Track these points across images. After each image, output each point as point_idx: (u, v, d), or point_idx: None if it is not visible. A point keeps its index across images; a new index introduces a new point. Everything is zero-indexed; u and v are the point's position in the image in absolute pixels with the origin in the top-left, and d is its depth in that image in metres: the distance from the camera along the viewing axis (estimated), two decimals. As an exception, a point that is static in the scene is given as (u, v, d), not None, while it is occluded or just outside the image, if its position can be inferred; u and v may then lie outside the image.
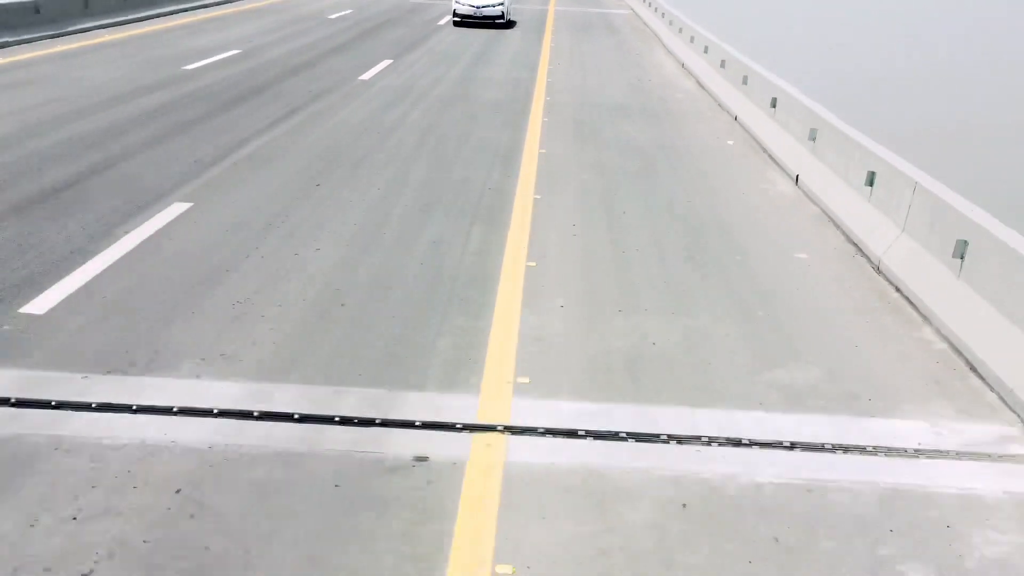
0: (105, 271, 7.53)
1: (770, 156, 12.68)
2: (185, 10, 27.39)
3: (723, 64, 17.35)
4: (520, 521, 4.65)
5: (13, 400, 5.51)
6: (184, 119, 13.28)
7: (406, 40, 23.81)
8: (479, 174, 11.21)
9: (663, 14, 27.76)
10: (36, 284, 7.17)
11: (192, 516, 4.55)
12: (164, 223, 8.77)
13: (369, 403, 5.69)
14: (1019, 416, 5.83)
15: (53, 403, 5.50)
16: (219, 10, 28.23)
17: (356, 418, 5.52)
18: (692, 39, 21.28)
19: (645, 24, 31.47)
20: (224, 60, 18.86)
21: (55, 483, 4.75)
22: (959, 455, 5.46)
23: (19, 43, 19.38)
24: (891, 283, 8.04)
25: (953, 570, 4.45)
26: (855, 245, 9.03)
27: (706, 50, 19.32)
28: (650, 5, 32.30)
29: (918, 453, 5.46)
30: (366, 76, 17.97)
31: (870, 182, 9.05)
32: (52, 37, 20.58)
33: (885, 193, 8.70)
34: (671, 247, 8.93)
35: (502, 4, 27.13)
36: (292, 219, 9.14)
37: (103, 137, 11.93)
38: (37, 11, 20.36)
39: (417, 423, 5.50)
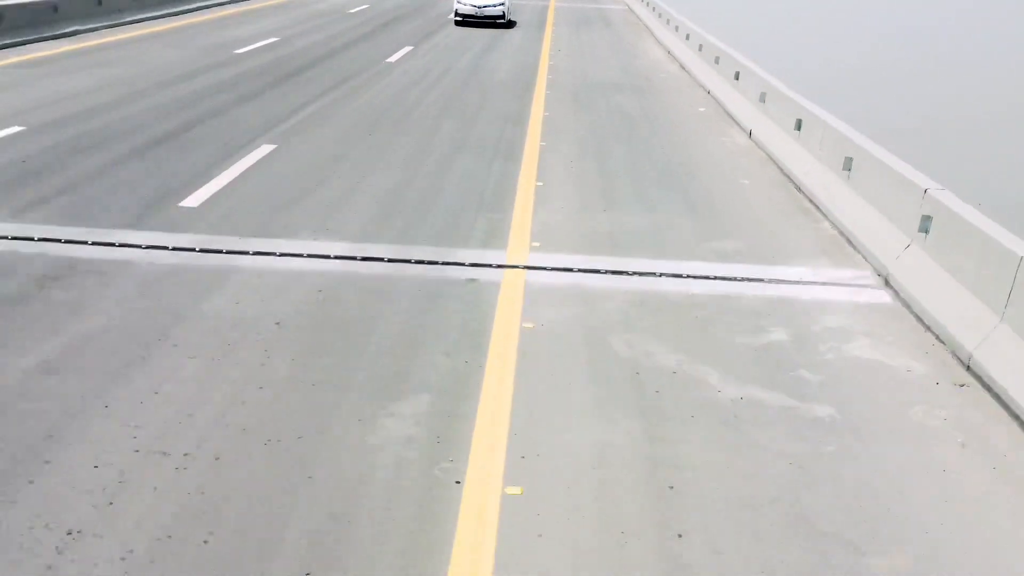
0: (229, 183, 10.30)
1: (732, 118, 15.47)
2: (213, 6, 30.13)
3: (700, 48, 20.14)
4: (537, 307, 7.41)
5: (197, 248, 8.29)
6: (249, 90, 16.05)
7: (422, 31, 26.58)
8: (495, 130, 13.98)
9: (653, 7, 30.56)
10: (181, 192, 9.93)
11: (331, 303, 7.32)
12: (260, 157, 11.54)
13: (433, 254, 8.46)
14: (872, 266, 8.60)
15: (224, 251, 8.28)
16: (244, 6, 30.99)
17: (427, 260, 8.30)
18: (677, 28, 24.08)
19: (638, 18, 34.27)
20: (266, 46, 21.64)
21: (241, 287, 7.52)
22: (825, 284, 8.24)
23: (85, 32, 22.11)
24: (805, 195, 10.83)
25: (803, 331, 7.23)
26: (786, 175, 11.81)
27: (687, 37, 22.11)
28: (642, 0, 35.08)
29: (799, 282, 8.25)
30: (392, 59, 20.75)
31: (798, 127, 11.84)
32: (111, 27, 23.33)
33: (806, 134, 11.49)
34: (645, 176, 11.72)
35: (503, 4, 27.85)
36: (354, 155, 11.91)
37: (188, 103, 14.69)
38: (99, 3, 23.11)
39: (467, 263, 8.28)
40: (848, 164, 9.81)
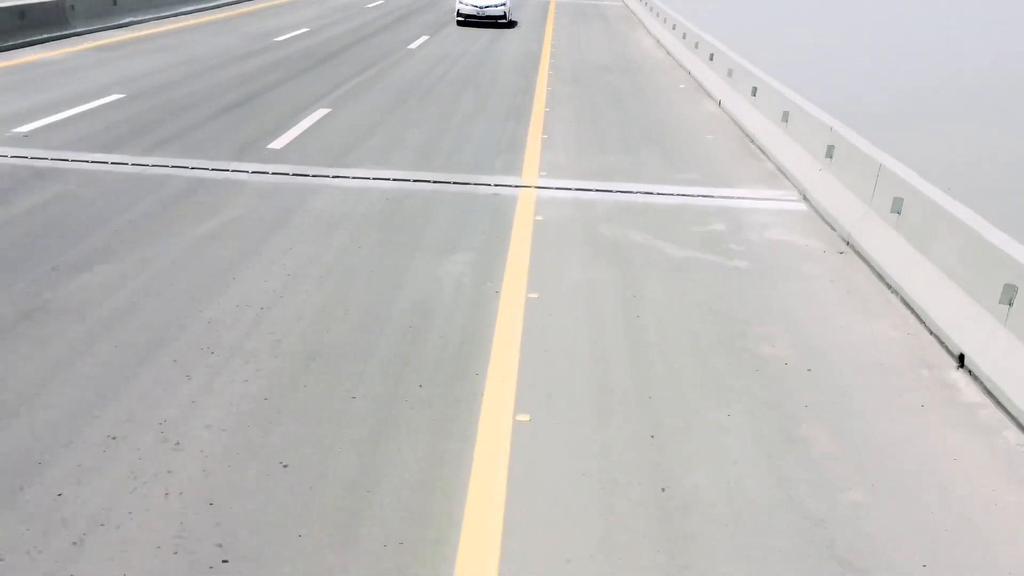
0: (301, 134, 13.10)
1: (707, 92, 18.27)
2: (241, 1, 32.90)
3: (684, 36, 22.95)
4: (545, 209, 10.20)
5: (291, 173, 11.09)
6: (295, 69, 18.84)
7: (435, 24, 29.38)
8: (506, 100, 16.77)
9: (646, 2, 33.37)
10: (265, 139, 12.72)
11: (396, 206, 10.12)
12: (319, 117, 14.33)
13: (466, 179, 11.27)
14: (796, 188, 11.40)
15: (311, 175, 11.08)
16: (268, 1, 33.78)
17: (462, 181, 11.10)
18: (665, 20, 26.89)
19: (632, 12, 37.08)
20: (301, 35, 24.44)
21: (330, 196, 10.31)
22: (759, 199, 11.05)
23: (138, 23, 24.88)
24: (756, 146, 13.64)
25: (737, 224, 10.03)
26: (743, 132, 14.62)
27: (674, 27, 24.92)
28: (636, -3, 37.88)
29: (740, 197, 11.06)
30: (412, 46, 23.55)
31: (753, 93, 14.64)
32: (158, 19, 26.11)
33: (761, 99, 14.29)
34: (629, 133, 14.53)
35: (504, 4, 28.61)
36: (393, 118, 14.70)
37: (248, 78, 17.48)
38: (150, -2, 25.93)
39: (491, 184, 11.09)
40: (785, 117, 12.62)
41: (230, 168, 11.14)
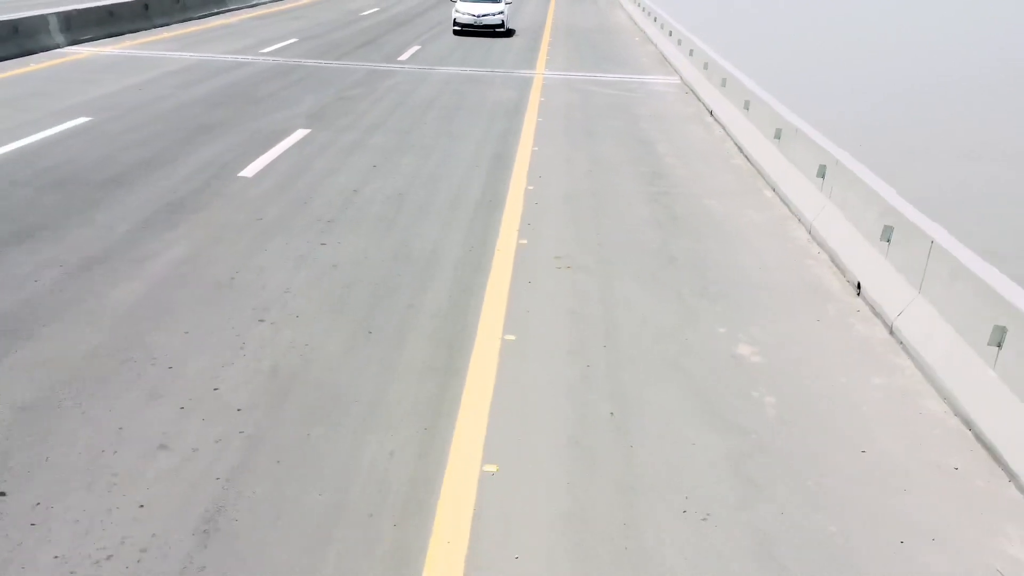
0: (411, 55, 23.48)
1: (651, 41, 28.65)
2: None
3: (644, 10, 33.32)
4: (548, 72, 20.58)
5: (416, 68, 21.47)
6: (385, 29, 29.22)
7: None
8: (527, 41, 27.12)
9: (625, -10, 43.77)
10: (393, 56, 23.10)
11: (475, 79, 20.47)
12: (416, 49, 24.71)
13: (509, 70, 21.66)
14: (679, 75, 21.73)
15: (424, 68, 21.48)
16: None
17: (505, 71, 21.50)
18: (638, 3, 37.27)
19: (616, -1, 47.48)
20: (377, 11, 34.84)
21: (440, 75, 20.70)
22: (657, 79, 21.42)
23: (260, 4, 35.26)
24: (665, 58, 23.99)
25: (637, 92, 20.39)
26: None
27: (638, 4, 35.30)
28: (620, -14, 48.24)
29: (650, 80, 21.44)
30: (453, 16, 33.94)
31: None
32: (269, 2, 36.49)
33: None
34: (601, 58, 24.89)
35: (502, 13, 28.40)
36: (459, 52, 25.03)
37: (362, 32, 27.87)
38: (266, -13, 36.35)
39: (517, 72, 21.50)
40: (677, 42, 22.98)
41: (384, 66, 21.53)
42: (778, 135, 12.50)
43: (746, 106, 14.72)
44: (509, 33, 29.74)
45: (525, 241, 9.63)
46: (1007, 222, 11.24)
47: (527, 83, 20.03)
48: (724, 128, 15.59)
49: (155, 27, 26.39)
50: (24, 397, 6.07)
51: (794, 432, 6.12)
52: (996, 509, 5.37)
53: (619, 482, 5.46)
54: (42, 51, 20.75)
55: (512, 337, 7.32)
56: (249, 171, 11.79)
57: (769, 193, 11.87)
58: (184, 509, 5.02)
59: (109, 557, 4.63)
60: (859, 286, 8.52)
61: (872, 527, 5.15)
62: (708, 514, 5.19)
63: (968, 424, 6.22)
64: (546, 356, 7.02)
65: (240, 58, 21.52)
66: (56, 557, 4.61)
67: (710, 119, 16.78)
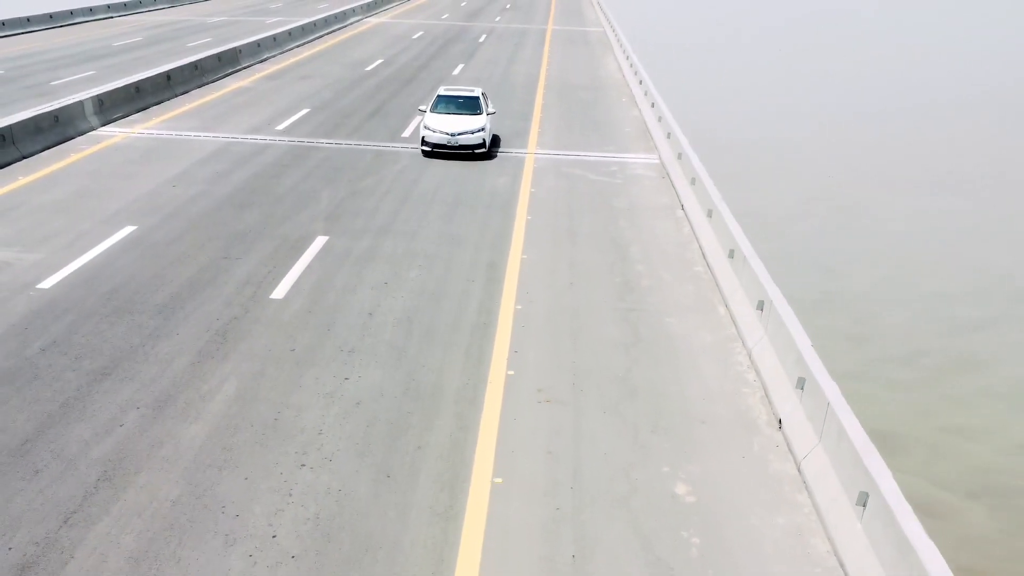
0: (411, 134, 25.57)
1: (647, 128, 30.74)
2: (345, 26, 45.30)
3: (632, 66, 35.42)
4: (539, 150, 22.66)
5: (373, 152, 23.57)
6: (390, 92, 31.30)
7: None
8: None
9: (613, 29, 45.86)
10: (390, 141, 25.17)
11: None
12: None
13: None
14: (660, 152, 23.84)
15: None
16: (338, 37, 46.13)
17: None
18: (613, 29, 39.39)
19: (606, 35, 49.55)
20: (378, 66, 36.93)
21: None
22: (637, 157, 23.53)
23: (268, 59, 37.34)
24: (649, 130, 26.09)
25: (625, 169, 22.49)
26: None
27: (627, 57, 37.41)
28: (607, 18, 50.38)
29: (632, 158, 23.55)
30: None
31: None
32: (317, 38, 38.59)
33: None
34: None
35: (482, 130, 22.31)
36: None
37: (366, 99, 29.93)
38: (291, 34, 38.48)
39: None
40: (658, 119, 25.08)
41: (390, 147, 23.60)
42: (731, 255, 14.58)
43: (709, 214, 16.78)
44: (491, 156, 22.72)
45: (512, 372, 11.70)
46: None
47: (519, 166, 22.07)
48: (692, 227, 17.65)
49: (176, 96, 28.48)
50: (132, 547, 8.15)
51: (708, 572, 8.20)
52: (845, 642, 7.44)
53: (574, 622, 7.55)
54: (78, 136, 22.82)
55: (500, 480, 9.40)
56: (279, 292, 13.87)
57: (722, 310, 13.95)
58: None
59: None
60: (780, 422, 10.60)
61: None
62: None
63: (842, 566, 8.30)
64: (526, 500, 9.10)
65: (259, 140, 23.60)
66: None
67: (681, 213, 18.84)
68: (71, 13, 50.08)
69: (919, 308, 19.67)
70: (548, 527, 8.71)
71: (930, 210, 26.33)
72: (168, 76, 28.07)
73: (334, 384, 11.21)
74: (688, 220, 18.20)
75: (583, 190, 20.42)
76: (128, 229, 16.34)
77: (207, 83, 31.07)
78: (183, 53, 37.66)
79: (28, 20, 45.85)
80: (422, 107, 23.58)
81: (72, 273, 14.22)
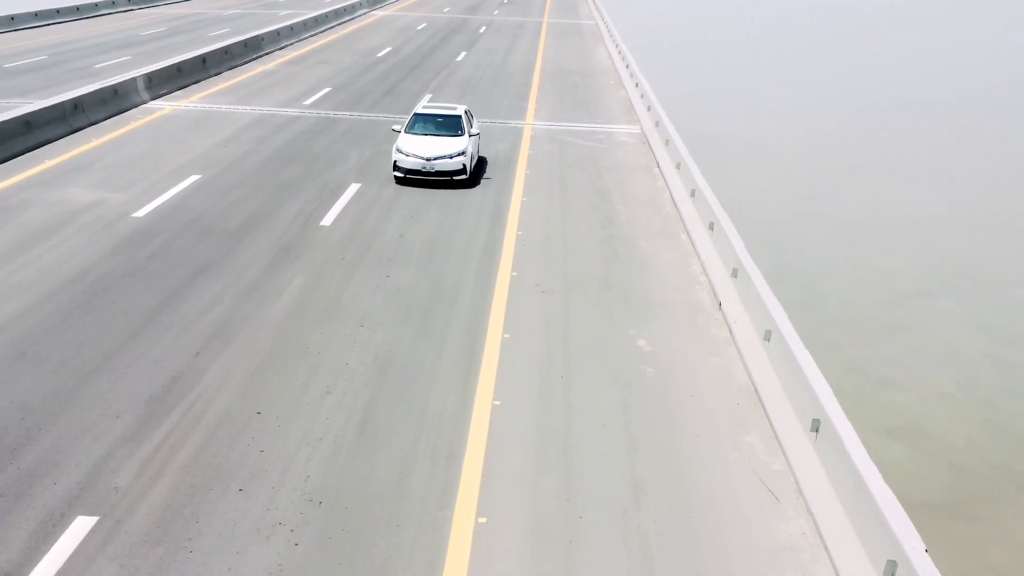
0: (464, 57, 28.92)
1: (631, 105, 34.09)
2: (354, 18, 48.57)
3: (621, 55, 38.77)
4: (536, 121, 26.00)
5: (391, 123, 26.95)
6: (399, 76, 34.59)
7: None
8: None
9: (606, 22, 49.23)
10: (404, 114, 28.51)
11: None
12: (464, 56, 30.10)
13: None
14: (641, 124, 27.20)
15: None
16: (348, 28, 49.39)
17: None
18: (605, 22, 42.74)
19: (598, 27, 52.90)
20: (387, 53, 40.24)
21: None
22: (621, 128, 26.89)
23: (286, 46, 40.58)
24: (633, 106, 29.45)
25: (611, 137, 25.85)
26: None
27: (617, 47, 40.75)
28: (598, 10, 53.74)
29: (617, 128, 26.91)
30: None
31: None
32: (334, 26, 41.82)
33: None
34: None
35: (462, 154, 19.56)
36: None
37: (378, 82, 33.22)
38: (314, 22, 41.73)
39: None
40: (640, 96, 28.44)
41: (405, 118, 26.93)
42: (693, 194, 17.94)
43: (678, 166, 20.14)
44: (474, 182, 20.32)
45: (516, 274, 15.04)
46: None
47: (518, 134, 25.42)
48: (664, 178, 21.00)
49: (210, 76, 31.77)
50: (245, 369, 11.45)
51: (661, 393, 11.53)
52: (745, 419, 10.78)
53: (564, 408, 10.88)
54: (132, 108, 26.10)
55: (508, 336, 12.74)
56: (327, 221, 17.19)
57: (684, 236, 17.31)
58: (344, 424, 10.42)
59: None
60: (720, 304, 13.97)
61: (684, 425, 10.57)
62: (605, 422, 10.60)
63: (753, 384, 11.65)
64: (526, 351, 12.43)
65: (290, 112, 26.91)
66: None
67: (656, 170, 22.19)
68: (95, 5, 53.25)
69: (864, 281, 21.93)
70: (543, 364, 12.03)
71: (890, 196, 29.50)
72: (203, 59, 31.35)
73: (378, 280, 14.54)
74: (662, 174, 21.55)
75: (574, 153, 23.76)
76: (194, 177, 19.64)
77: (235, 66, 34.34)
78: (206, 42, 40.88)
79: (58, 12, 49.03)
80: (396, 127, 20.90)
81: (157, 207, 17.51)
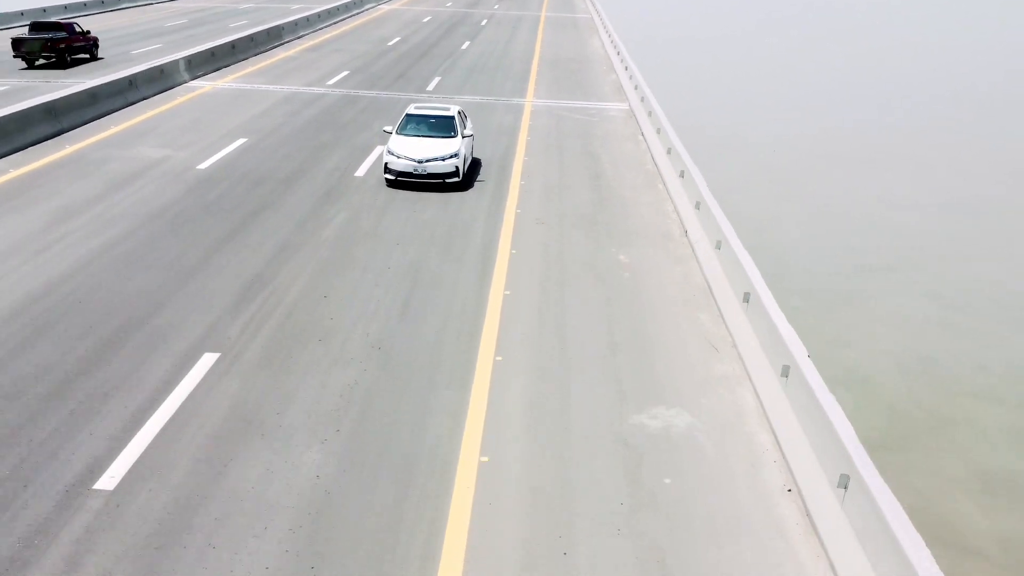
0: (434, 87, 32.06)
1: (621, 87, 37.28)
2: (364, 11, 51.73)
3: (613, 44, 41.94)
4: (536, 99, 29.18)
5: (406, 99, 30.08)
6: (410, 61, 37.75)
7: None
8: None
9: (599, 14, 52.40)
10: (417, 93, 31.68)
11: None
12: (437, 82, 33.28)
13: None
14: (628, 101, 30.38)
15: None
16: (357, 21, 52.54)
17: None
18: (600, 15, 45.91)
19: (592, 20, 56.08)
20: (397, 42, 43.41)
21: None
22: (612, 105, 30.07)
23: (304, 35, 43.74)
24: (623, 87, 32.63)
25: (601, 112, 29.04)
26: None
27: (610, 37, 43.93)
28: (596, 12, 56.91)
29: (606, 105, 30.10)
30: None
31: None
32: (308, 34, 44.97)
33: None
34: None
35: (455, 156, 19.33)
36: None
37: (392, 66, 36.38)
38: (328, 13, 44.90)
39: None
40: (629, 77, 31.64)
41: (417, 96, 30.09)
42: (669, 151, 21.15)
43: (658, 131, 23.33)
44: (468, 185, 20.08)
45: (519, 211, 18.23)
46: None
47: (520, 110, 28.59)
48: (647, 144, 24.19)
49: (239, 61, 34.93)
50: (310, 273, 14.62)
51: (635, 289, 14.71)
52: (699, 305, 13.96)
53: (559, 327, 14.09)
54: (176, 86, 29.28)
55: (515, 251, 15.94)
56: (360, 172, 20.38)
57: (660, 186, 20.50)
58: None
59: (376, 314, 13.34)
60: (686, 232, 17.16)
61: (648, 299, 13.76)
62: (591, 308, 13.81)
63: (707, 284, 14.82)
64: (529, 262, 15.61)
65: (316, 90, 30.09)
66: (358, 314, 13.29)
67: (640, 137, 25.38)
68: (119, -1, 56.41)
69: (827, 256, 24.08)
70: (544, 269, 15.22)
71: (864, 181, 32.53)
72: (233, 45, 34.53)
73: (407, 216, 17.72)
74: (644, 140, 24.74)
75: (569, 125, 26.95)
76: (241, 140, 22.82)
77: (260, 52, 37.51)
78: (228, 32, 44.04)
79: (85, 4, 52.18)
80: (387, 128, 20.52)
81: (214, 163, 20.69)
